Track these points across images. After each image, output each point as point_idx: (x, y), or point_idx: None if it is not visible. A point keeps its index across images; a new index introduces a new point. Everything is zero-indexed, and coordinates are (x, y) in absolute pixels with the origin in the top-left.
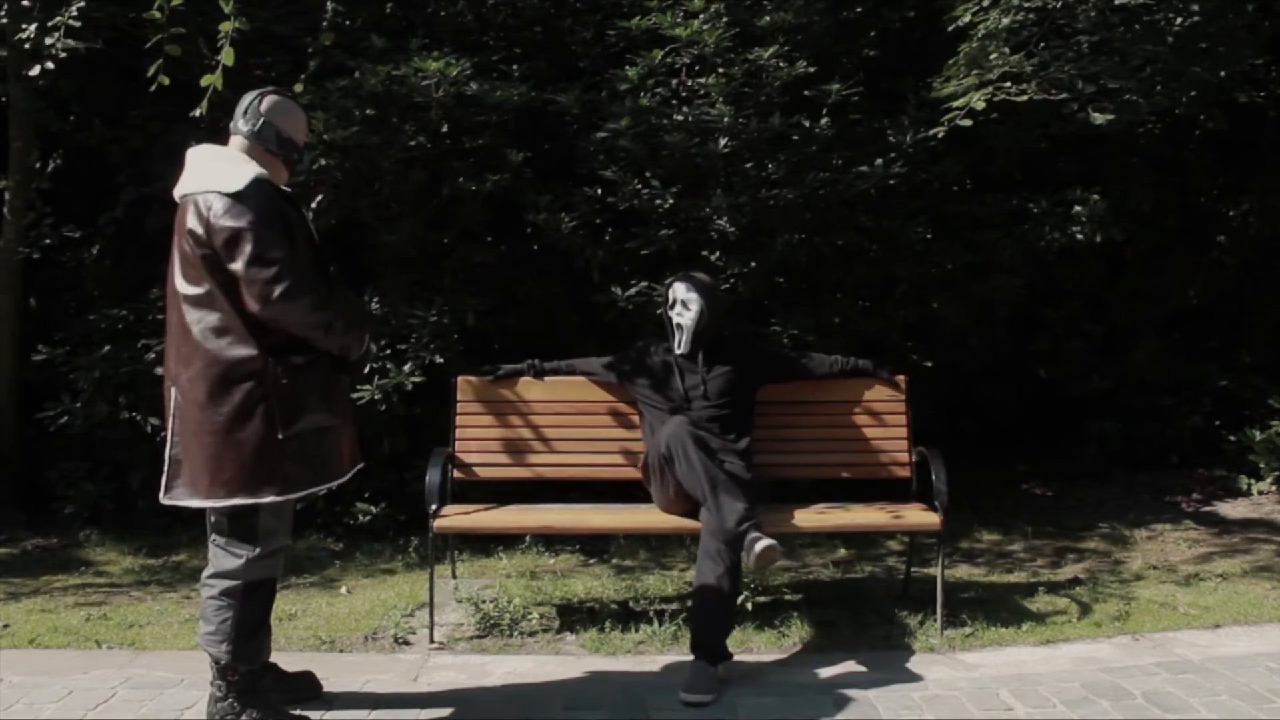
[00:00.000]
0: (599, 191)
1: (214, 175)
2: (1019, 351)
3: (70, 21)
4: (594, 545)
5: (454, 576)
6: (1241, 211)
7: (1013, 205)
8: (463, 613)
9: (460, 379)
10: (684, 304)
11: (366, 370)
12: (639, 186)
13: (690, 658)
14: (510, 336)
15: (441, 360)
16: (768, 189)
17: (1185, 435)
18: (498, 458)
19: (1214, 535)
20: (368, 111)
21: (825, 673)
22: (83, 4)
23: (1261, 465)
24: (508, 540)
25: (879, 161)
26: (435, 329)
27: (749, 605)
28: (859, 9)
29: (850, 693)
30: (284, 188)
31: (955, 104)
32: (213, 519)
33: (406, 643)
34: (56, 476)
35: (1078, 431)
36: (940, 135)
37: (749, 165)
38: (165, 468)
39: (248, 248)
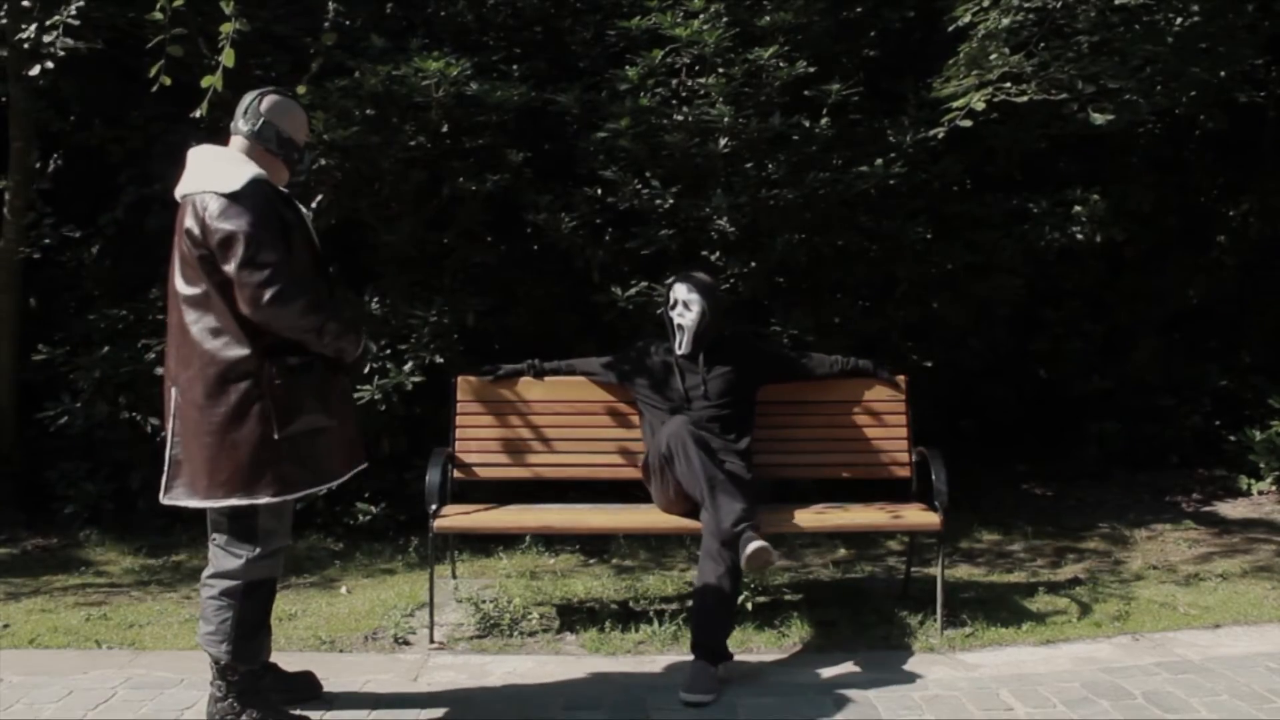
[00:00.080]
0: (599, 191)
1: (212, 175)
2: (1019, 351)
3: (69, 20)
4: (594, 545)
5: (454, 576)
6: (1241, 211)
7: (1013, 205)
8: (463, 613)
9: (460, 379)
10: (685, 305)
11: (366, 370)
12: (639, 186)
13: (690, 658)
14: (510, 336)
15: (441, 360)
16: (768, 189)
17: (1185, 435)
18: (498, 458)
19: (1214, 535)
20: (368, 111)
21: (825, 673)
22: (81, 3)
23: (1261, 465)
24: (508, 540)
25: (879, 161)
26: (435, 329)
27: (749, 605)
28: (859, 9)
29: (850, 693)
30: (282, 189)
31: (955, 104)
32: (212, 519)
33: (406, 643)
34: (56, 476)
35: (1078, 431)
36: (940, 136)
37: (749, 165)
38: (165, 468)
39: (240, 250)
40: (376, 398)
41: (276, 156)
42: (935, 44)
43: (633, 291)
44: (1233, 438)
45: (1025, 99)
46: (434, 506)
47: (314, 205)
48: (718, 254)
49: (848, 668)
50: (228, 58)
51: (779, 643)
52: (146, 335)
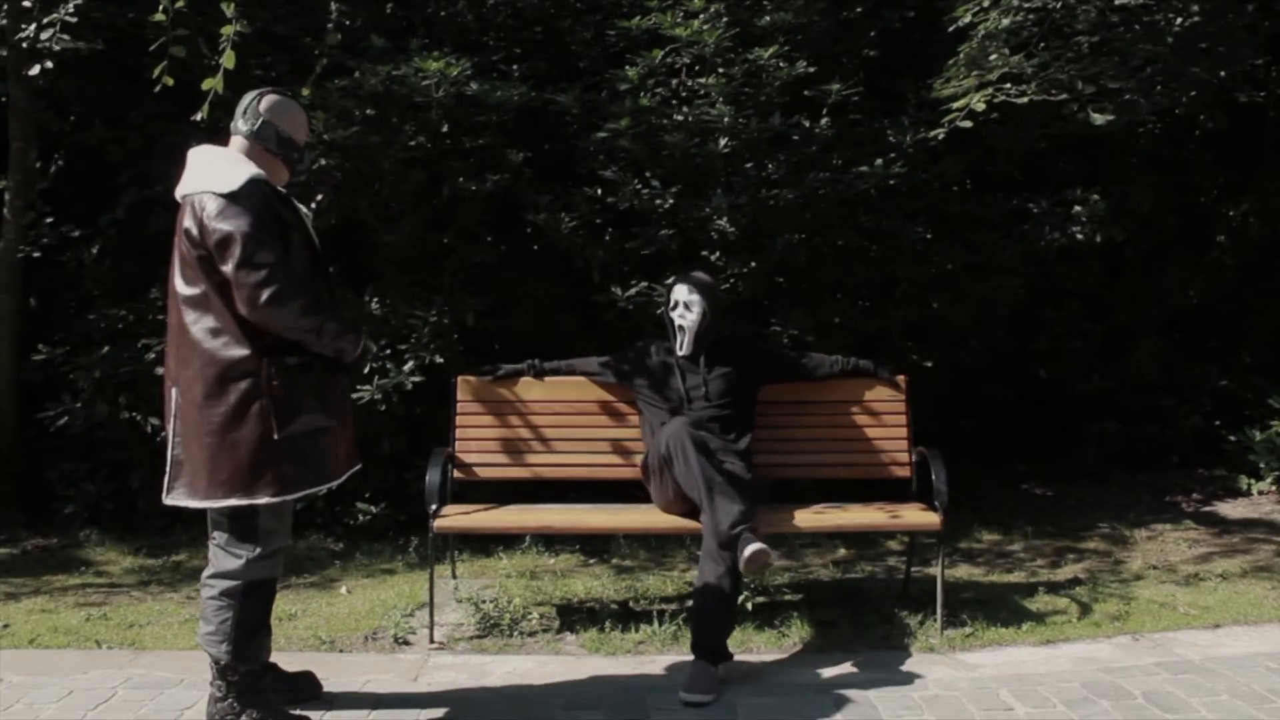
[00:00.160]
0: (599, 191)
1: (211, 176)
2: (1019, 351)
3: (66, 18)
4: (594, 545)
5: (454, 576)
6: (1241, 211)
7: (1013, 205)
8: (463, 613)
9: (460, 379)
10: (686, 306)
11: (366, 370)
12: (639, 186)
13: (690, 658)
14: (510, 336)
15: (441, 360)
16: (768, 189)
17: (1185, 435)
18: (498, 458)
19: (1214, 535)
20: (368, 111)
21: (825, 673)
22: (79, 1)
23: (1261, 465)
24: (508, 540)
25: (879, 161)
26: (435, 329)
27: (749, 605)
28: (859, 9)
29: (850, 693)
30: (281, 189)
31: (955, 105)
32: (213, 519)
33: (406, 643)
34: (56, 476)
35: (1078, 431)
36: (940, 137)
37: (749, 165)
38: (167, 468)
39: (238, 250)
40: (376, 398)
41: (276, 156)
42: (935, 44)
43: (633, 291)
44: (1233, 438)
45: (1025, 99)
46: (434, 506)
47: (314, 205)
48: (718, 254)
49: (848, 668)
50: (228, 59)
51: (779, 643)
52: (146, 335)
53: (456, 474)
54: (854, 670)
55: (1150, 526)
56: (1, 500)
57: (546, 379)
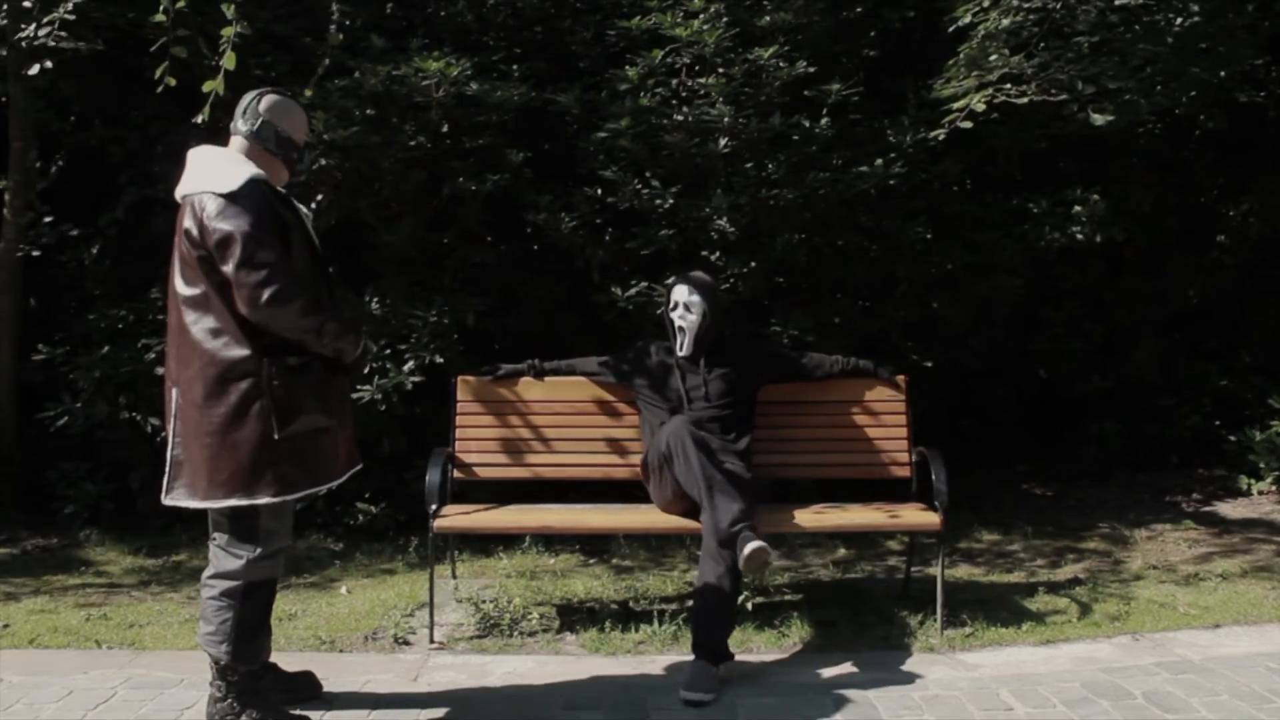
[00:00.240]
0: (599, 191)
1: (210, 176)
2: (1019, 351)
3: (65, 16)
4: (594, 545)
5: (454, 576)
6: (1241, 211)
7: (1013, 205)
8: (463, 613)
9: (460, 379)
10: (686, 307)
11: (366, 370)
12: (639, 186)
13: (691, 657)
14: (510, 336)
15: (441, 360)
16: (768, 189)
17: (1185, 435)
18: (498, 458)
19: (1214, 535)
20: (368, 111)
21: (825, 673)
22: (79, 0)
23: (1261, 465)
24: (508, 540)
25: (879, 161)
26: (435, 329)
27: (749, 605)
28: (859, 9)
29: (850, 693)
30: (281, 189)
31: (955, 105)
32: (213, 519)
33: (406, 643)
34: (56, 476)
35: (1078, 431)
36: (941, 137)
37: (749, 165)
38: (167, 469)
39: (238, 250)
40: (376, 398)
41: (275, 156)
42: (935, 44)
43: (633, 291)
44: (1233, 438)
45: (1025, 100)
46: (434, 506)
47: (314, 205)
48: (718, 254)
49: (848, 668)
50: (229, 61)
51: (779, 643)
52: (146, 335)
53: (456, 474)
54: (854, 670)
55: (1150, 526)
56: (1, 500)
57: (546, 379)
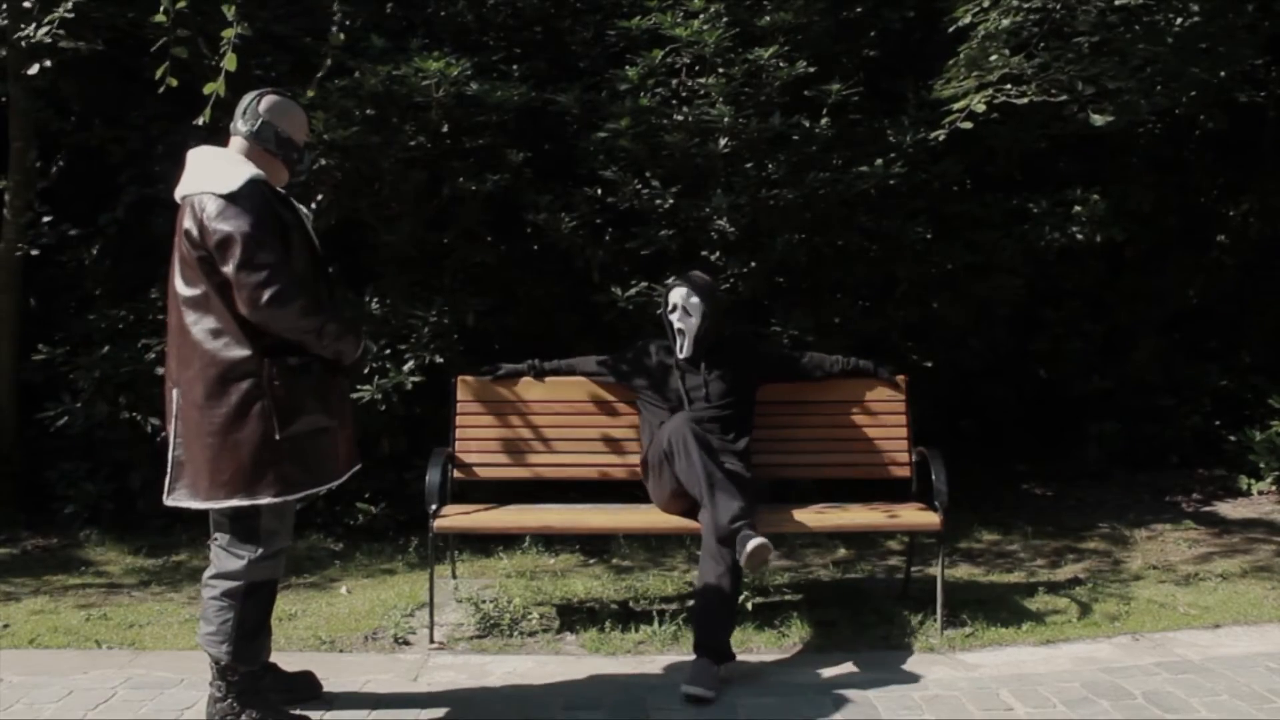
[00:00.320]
0: (599, 191)
1: (210, 176)
2: (1019, 351)
3: (65, 14)
4: (594, 545)
5: (454, 576)
6: (1241, 211)
7: (1013, 205)
8: (463, 613)
9: (460, 379)
10: (685, 310)
11: (366, 370)
12: (639, 186)
13: (692, 657)
14: (510, 336)
15: (441, 360)
16: (768, 189)
17: (1185, 435)
18: (498, 458)
19: (1214, 535)
20: (368, 111)
21: (825, 673)
22: None
23: (1261, 465)
24: (508, 540)
25: (879, 161)
26: (435, 329)
27: (749, 605)
28: (859, 9)
29: (850, 693)
30: (281, 189)
31: (955, 106)
32: (214, 520)
33: (406, 643)
34: (56, 476)
35: (1078, 431)
36: (941, 138)
37: (749, 165)
38: (168, 469)
39: (238, 251)
40: (376, 398)
41: (275, 157)
42: (935, 44)
43: (633, 291)
44: (1233, 438)
45: (1025, 100)
46: (434, 506)
47: (314, 205)
48: (718, 254)
49: (848, 668)
50: (229, 63)
51: (779, 643)
52: (146, 335)
53: (456, 474)
54: (854, 670)
55: (1150, 526)
56: (1, 500)
57: (546, 379)
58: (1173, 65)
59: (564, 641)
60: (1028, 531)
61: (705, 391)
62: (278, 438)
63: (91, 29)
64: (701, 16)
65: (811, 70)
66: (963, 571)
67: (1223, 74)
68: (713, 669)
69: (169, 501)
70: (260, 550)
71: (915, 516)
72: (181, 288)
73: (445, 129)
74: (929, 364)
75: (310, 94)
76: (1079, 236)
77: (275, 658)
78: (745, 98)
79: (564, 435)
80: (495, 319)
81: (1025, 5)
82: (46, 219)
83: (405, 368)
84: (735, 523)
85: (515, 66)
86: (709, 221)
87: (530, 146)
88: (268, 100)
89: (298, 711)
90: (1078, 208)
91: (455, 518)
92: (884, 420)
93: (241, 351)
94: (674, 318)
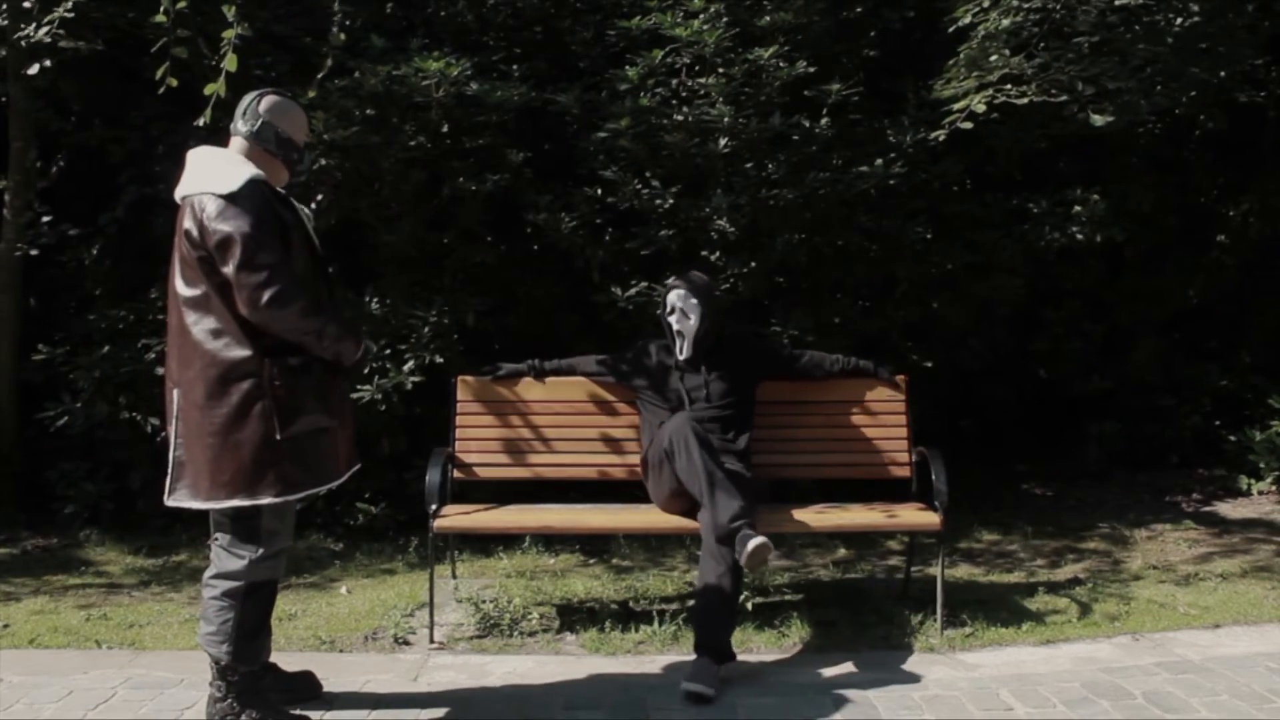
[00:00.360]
0: (599, 191)
1: (210, 177)
2: (1019, 351)
3: (65, 14)
4: (594, 545)
5: (454, 576)
6: (1241, 211)
7: (1013, 205)
8: (463, 613)
9: (460, 379)
10: (683, 312)
11: (366, 370)
12: (639, 186)
13: (692, 657)
14: (510, 336)
15: (441, 360)
16: (768, 189)
17: (1185, 435)
18: (498, 458)
19: (1214, 535)
20: (368, 111)
21: (825, 673)
22: None
23: (1261, 465)
24: (508, 540)
25: (879, 161)
26: (435, 329)
27: (749, 605)
28: (859, 9)
29: (850, 693)
30: (281, 189)
31: (955, 106)
32: (215, 520)
33: (406, 643)
34: (56, 476)
35: (1078, 431)
36: (941, 138)
37: (749, 165)
38: (169, 470)
39: (238, 251)
40: (376, 398)
41: (275, 157)
42: (935, 44)
43: (633, 291)
44: (1233, 438)
45: (1025, 100)
46: (434, 506)
47: (314, 205)
48: (718, 254)
49: (848, 668)
50: (230, 63)
51: (779, 643)
52: (146, 335)
53: (456, 474)
54: (854, 670)
55: (1150, 526)
56: (1, 500)
57: (546, 379)
58: (1173, 65)
59: (564, 641)
60: (1028, 531)
61: (705, 391)
62: (278, 438)
63: (91, 29)
64: (701, 16)
65: (811, 70)
66: (963, 571)
67: (1223, 74)
68: (713, 668)
69: (170, 502)
70: (261, 550)
71: (915, 516)
72: (182, 288)
73: (445, 129)
74: (929, 364)
75: (310, 94)
76: (1079, 236)
77: (275, 658)
78: (745, 98)
79: (564, 435)
80: (495, 319)
81: (1025, 5)
82: (46, 219)
83: (405, 368)
84: (735, 522)
85: (515, 66)
86: (709, 221)
87: (530, 146)
88: (268, 100)
89: (298, 711)
90: (1078, 208)
91: (455, 518)
92: (884, 420)
93: (242, 352)
94: (672, 319)
